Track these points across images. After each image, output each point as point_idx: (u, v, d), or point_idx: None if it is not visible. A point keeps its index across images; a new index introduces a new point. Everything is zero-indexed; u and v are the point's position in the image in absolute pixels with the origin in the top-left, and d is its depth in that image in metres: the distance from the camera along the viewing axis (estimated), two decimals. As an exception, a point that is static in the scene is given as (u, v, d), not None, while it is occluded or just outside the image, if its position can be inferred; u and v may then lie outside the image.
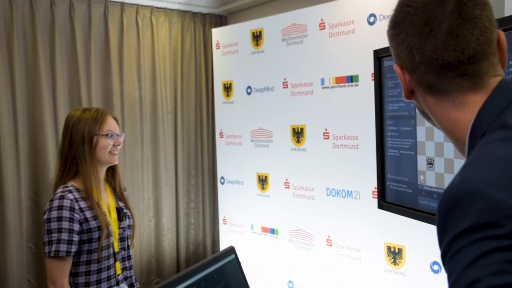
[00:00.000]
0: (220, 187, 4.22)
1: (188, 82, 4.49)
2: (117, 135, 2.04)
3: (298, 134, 3.49)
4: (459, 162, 1.71)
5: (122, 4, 4.01)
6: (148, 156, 4.23)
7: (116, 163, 2.07)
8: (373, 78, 2.88)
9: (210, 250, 4.62)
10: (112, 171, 2.14)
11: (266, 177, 3.76)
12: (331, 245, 3.31)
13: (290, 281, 3.60)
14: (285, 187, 3.60)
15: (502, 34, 0.83)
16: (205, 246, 4.59)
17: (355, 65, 3.08)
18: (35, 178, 3.63)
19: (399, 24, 0.84)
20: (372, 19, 2.97)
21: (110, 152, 2.00)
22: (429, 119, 0.93)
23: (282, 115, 3.59)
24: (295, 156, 3.52)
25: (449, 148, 1.75)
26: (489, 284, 0.59)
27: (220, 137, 4.16)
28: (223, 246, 4.23)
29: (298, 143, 3.49)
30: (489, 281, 0.59)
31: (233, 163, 4.05)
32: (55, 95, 3.66)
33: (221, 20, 4.69)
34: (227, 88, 4.05)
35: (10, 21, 3.47)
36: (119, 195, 2.13)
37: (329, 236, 3.33)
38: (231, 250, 0.99)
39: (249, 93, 3.86)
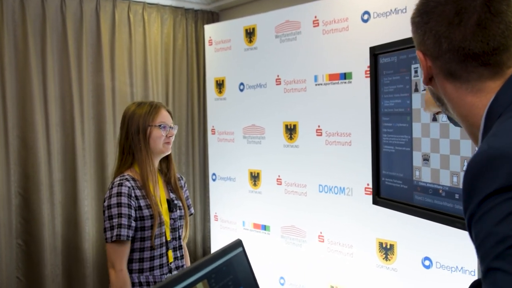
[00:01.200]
0: (211, 184, 4.22)
1: (179, 78, 4.48)
2: (170, 127, 2.12)
3: (291, 130, 3.50)
4: (455, 158, 1.73)
5: (114, 0, 3.98)
6: (140, 152, 4.20)
7: (168, 153, 2.15)
8: (366, 75, 2.91)
9: (201, 246, 4.61)
10: (166, 162, 2.21)
11: (258, 173, 3.76)
12: (323, 241, 3.33)
13: (281, 277, 3.61)
14: (278, 184, 3.61)
15: None
16: (196, 243, 4.59)
17: (348, 63, 3.10)
18: (25, 175, 3.61)
19: (428, 12, 0.87)
20: (366, 17, 2.99)
21: (164, 142, 2.09)
22: (442, 104, 0.96)
23: (275, 112, 3.60)
24: (287, 152, 3.54)
25: (445, 144, 1.77)
26: None
27: (212, 134, 4.16)
28: (214, 242, 4.24)
29: (291, 139, 3.50)
30: None
31: (225, 159, 4.05)
32: (46, 91, 3.63)
33: (213, 16, 4.68)
34: (220, 85, 4.05)
35: (1, 17, 3.44)
36: (173, 186, 2.20)
37: (321, 232, 3.34)
38: (238, 243, 0.99)
39: (241, 90, 3.86)
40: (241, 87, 3.86)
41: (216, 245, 4.21)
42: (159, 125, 2.07)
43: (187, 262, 2.20)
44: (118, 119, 4.00)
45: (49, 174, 3.65)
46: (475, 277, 2.54)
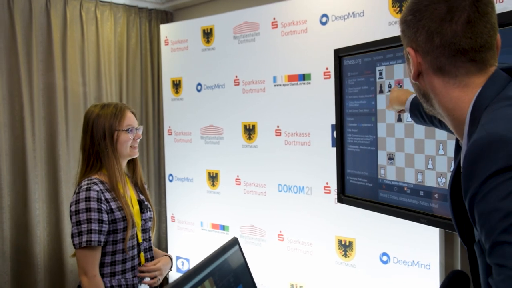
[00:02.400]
0: (168, 185, 4.18)
1: (133, 78, 4.40)
2: (136, 129, 2.08)
3: (249, 131, 3.52)
4: (420, 157, 1.81)
5: (65, -3, 3.87)
6: (93, 153, 4.10)
7: (136, 156, 2.11)
8: (325, 76, 2.99)
9: (156, 247, 4.55)
10: (132, 165, 2.18)
11: (216, 174, 3.77)
12: (282, 240, 3.38)
13: (241, 277, 3.63)
14: (236, 184, 3.63)
15: (498, 36, 0.97)
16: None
17: (307, 64, 3.16)
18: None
19: (421, 11, 0.95)
20: (324, 19, 3.06)
21: (131, 146, 2.05)
22: (427, 100, 1.02)
23: (233, 112, 3.62)
24: (246, 153, 3.56)
25: (410, 144, 1.85)
26: None
27: (169, 134, 4.12)
28: (171, 243, 4.20)
29: (250, 140, 3.53)
30: None
31: (182, 160, 4.02)
32: (-6, 90, 3.47)
33: (167, 16, 4.63)
34: (176, 85, 4.02)
35: None
36: (140, 188, 2.17)
37: (280, 231, 3.39)
38: (235, 241, 1.01)
39: (199, 90, 3.85)
40: (199, 87, 3.85)
41: (173, 246, 4.18)
42: (127, 129, 2.03)
43: (162, 261, 2.14)
44: (70, 119, 3.89)
45: (-3, 177, 3.49)
46: (430, 271, 2.66)
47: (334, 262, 3.11)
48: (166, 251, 4.41)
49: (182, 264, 4.08)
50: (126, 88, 4.34)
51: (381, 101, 1.96)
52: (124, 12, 4.30)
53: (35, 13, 3.70)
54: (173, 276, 4.02)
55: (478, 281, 0.96)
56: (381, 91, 1.96)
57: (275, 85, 3.35)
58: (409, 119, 1.84)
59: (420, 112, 1.42)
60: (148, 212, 2.12)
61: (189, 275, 0.81)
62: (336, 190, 2.54)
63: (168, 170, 4.17)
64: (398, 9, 2.71)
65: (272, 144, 3.39)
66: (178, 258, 4.12)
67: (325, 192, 3.10)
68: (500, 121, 0.80)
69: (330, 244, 3.13)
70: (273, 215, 3.43)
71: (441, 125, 1.31)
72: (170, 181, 4.14)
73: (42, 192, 3.75)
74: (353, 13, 2.93)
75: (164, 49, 4.09)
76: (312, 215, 3.21)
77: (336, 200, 2.54)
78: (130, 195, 2.08)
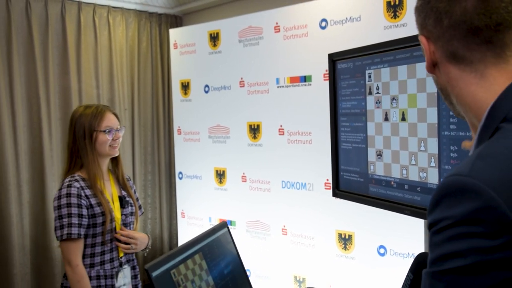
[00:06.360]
0: (178, 182, 4.36)
1: (144, 80, 4.60)
2: (116, 129, 2.19)
3: (254, 130, 3.69)
4: (404, 153, 1.96)
5: (79, 3, 4.06)
6: (106, 152, 4.30)
7: (116, 155, 2.23)
8: (325, 78, 3.14)
9: (167, 243, 4.75)
10: (116, 161, 2.31)
11: (223, 171, 3.94)
12: (286, 234, 3.54)
13: (247, 270, 3.79)
14: (242, 181, 3.80)
15: None
16: (162, 240, 4.71)
17: (308, 66, 3.32)
18: (-8, 176, 3.64)
19: None
20: (323, 24, 3.21)
21: (110, 145, 2.16)
22: (446, 96, 0.93)
23: (239, 113, 3.79)
24: (251, 151, 3.73)
25: (395, 141, 2.00)
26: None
27: (178, 134, 4.30)
28: (181, 239, 4.38)
29: (255, 139, 3.69)
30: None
31: (191, 158, 4.20)
32: (13, 93, 3.67)
33: (176, 20, 4.82)
34: (185, 87, 4.20)
35: (-33, 20, 3.47)
36: (122, 184, 2.30)
37: (284, 226, 3.55)
38: (224, 224, 1.18)
39: (206, 92, 4.03)
40: (206, 89, 4.03)
41: (183, 241, 4.36)
42: (104, 130, 2.14)
43: (141, 235, 2.28)
44: (85, 120, 4.08)
45: (17, 175, 3.70)
46: (424, 262, 2.80)
47: (335, 254, 3.27)
48: (177, 246, 4.59)
49: (192, 258, 4.25)
50: (138, 90, 4.54)
51: (370, 101, 2.11)
52: (135, 17, 4.49)
53: (51, 20, 3.90)
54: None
55: None
56: (370, 93, 2.11)
57: (278, 87, 3.51)
58: (395, 118, 2.00)
59: None
60: (130, 207, 2.26)
61: (180, 249, 0.97)
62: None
63: (178, 168, 4.36)
64: (393, 14, 2.85)
65: (276, 142, 3.55)
66: (188, 252, 4.29)
67: (325, 188, 3.25)
68: (492, 162, 0.71)
69: (330, 237, 3.28)
70: (277, 210, 3.59)
71: None
72: (180, 178, 4.33)
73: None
74: (350, 18, 3.07)
75: (173, 53, 4.28)
76: (314, 210, 3.36)
77: (335, 195, 2.69)
78: (112, 191, 2.21)
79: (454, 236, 0.69)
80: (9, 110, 3.66)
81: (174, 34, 4.28)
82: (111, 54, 4.29)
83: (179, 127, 4.30)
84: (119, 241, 2.17)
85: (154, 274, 0.91)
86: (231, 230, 3.84)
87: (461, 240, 0.68)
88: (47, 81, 3.87)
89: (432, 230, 0.72)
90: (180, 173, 4.32)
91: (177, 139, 4.33)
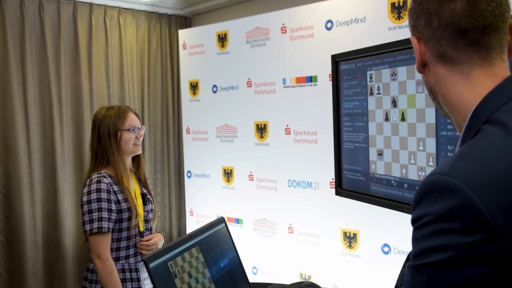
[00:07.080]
0: (187, 181, 4.43)
1: (154, 80, 4.67)
2: (138, 128, 2.30)
3: (261, 130, 3.74)
4: (404, 153, 2.00)
5: (91, 4, 4.14)
6: (117, 151, 4.38)
7: (139, 153, 2.34)
8: (330, 78, 3.18)
9: (177, 241, 4.81)
10: (137, 161, 2.41)
11: (231, 170, 4.00)
12: (292, 232, 3.59)
13: (254, 267, 3.86)
14: (250, 180, 3.85)
15: None
16: (171, 238, 4.79)
17: (314, 67, 3.36)
18: (6, 174, 3.73)
19: None
20: (329, 25, 3.25)
21: (134, 143, 2.27)
22: (434, 96, 0.96)
23: (246, 112, 3.84)
24: (258, 150, 3.78)
25: (395, 141, 2.04)
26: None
27: (187, 133, 4.37)
28: (190, 236, 4.44)
29: (262, 138, 3.75)
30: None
31: (199, 157, 4.27)
32: (26, 93, 3.76)
33: (186, 21, 4.89)
34: (194, 87, 4.26)
35: (-19, 22, 3.56)
36: (143, 183, 2.40)
37: (290, 224, 3.60)
38: (221, 220, 1.23)
39: (215, 92, 4.09)
40: (214, 89, 4.09)
41: (191, 239, 4.42)
42: (128, 129, 2.26)
43: (157, 237, 2.36)
44: (96, 119, 4.16)
45: (29, 173, 3.79)
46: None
47: (340, 252, 3.31)
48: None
49: (200, 256, 4.32)
50: (148, 90, 4.61)
51: (371, 102, 2.16)
52: (145, 18, 4.57)
53: (63, 21, 3.98)
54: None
55: None
56: (371, 93, 2.16)
57: (284, 87, 3.56)
58: (395, 118, 2.04)
59: None
60: (150, 204, 2.35)
61: (178, 243, 1.03)
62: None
63: (186, 167, 4.42)
64: (397, 15, 2.89)
65: (282, 142, 3.60)
66: (196, 250, 4.36)
67: (331, 187, 3.29)
68: (471, 162, 0.74)
69: (336, 236, 3.32)
70: (283, 209, 3.64)
71: None
72: (189, 177, 4.40)
73: (70, 188, 4.04)
74: (355, 19, 3.11)
75: (182, 53, 4.34)
76: (319, 209, 3.41)
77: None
78: (134, 188, 2.30)
79: (434, 232, 0.73)
80: (22, 109, 3.75)
81: (183, 34, 4.35)
82: (121, 55, 4.37)
83: (188, 126, 4.37)
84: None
85: (152, 265, 0.97)
86: (238, 228, 3.91)
87: (440, 235, 0.72)
88: (59, 81, 3.96)
89: (415, 226, 0.77)
90: (189, 171, 4.39)
91: (186, 138, 4.39)
